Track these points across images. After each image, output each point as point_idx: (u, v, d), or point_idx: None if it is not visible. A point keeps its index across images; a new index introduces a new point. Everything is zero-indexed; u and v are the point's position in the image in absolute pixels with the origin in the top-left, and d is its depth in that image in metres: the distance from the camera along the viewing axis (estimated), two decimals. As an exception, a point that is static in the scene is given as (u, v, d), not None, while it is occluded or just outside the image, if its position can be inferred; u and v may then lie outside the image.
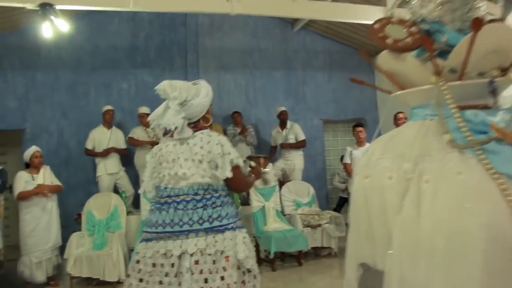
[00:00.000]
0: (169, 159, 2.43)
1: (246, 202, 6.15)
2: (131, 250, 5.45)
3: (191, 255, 2.27)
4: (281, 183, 6.74)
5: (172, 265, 2.28)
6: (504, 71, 1.47)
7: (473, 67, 1.44)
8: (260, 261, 5.94)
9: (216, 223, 2.34)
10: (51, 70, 6.93)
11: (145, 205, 5.95)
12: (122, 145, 6.56)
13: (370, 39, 1.59)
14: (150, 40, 7.43)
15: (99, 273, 4.95)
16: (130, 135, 6.56)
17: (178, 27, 7.56)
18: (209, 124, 2.57)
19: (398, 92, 1.64)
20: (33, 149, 5.56)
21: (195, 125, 2.48)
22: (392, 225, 1.40)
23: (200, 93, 2.47)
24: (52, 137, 6.90)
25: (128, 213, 5.92)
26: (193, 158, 2.38)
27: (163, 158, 2.45)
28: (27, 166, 5.61)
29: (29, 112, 6.78)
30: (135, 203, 6.32)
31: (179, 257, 2.28)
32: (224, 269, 2.27)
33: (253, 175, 2.73)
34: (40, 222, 5.37)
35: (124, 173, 6.51)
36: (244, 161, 7.11)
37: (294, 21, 8.04)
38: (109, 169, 6.34)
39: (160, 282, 2.30)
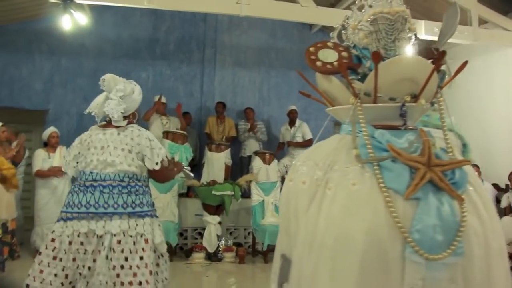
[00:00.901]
0: (98, 145, 2.63)
1: (247, 195, 6.42)
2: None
3: (114, 235, 2.48)
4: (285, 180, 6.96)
5: (92, 243, 2.49)
6: (415, 97, 1.67)
7: (384, 92, 1.64)
8: (254, 252, 6.21)
9: (138, 209, 2.57)
10: (75, 57, 7.36)
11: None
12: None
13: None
14: (170, 34, 7.75)
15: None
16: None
17: (198, 22, 7.85)
18: (136, 119, 2.84)
19: (330, 108, 1.86)
20: (50, 129, 5.99)
21: (127, 119, 2.73)
22: (301, 224, 1.63)
23: (135, 91, 2.75)
24: (72, 119, 7.34)
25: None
26: (123, 148, 2.61)
27: (92, 145, 2.65)
28: (45, 145, 6.05)
29: (53, 94, 7.23)
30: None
31: (100, 237, 2.50)
32: (143, 250, 2.51)
33: (175, 169, 2.96)
34: (53, 197, 5.80)
35: (135, 159, 6.85)
36: (250, 156, 7.32)
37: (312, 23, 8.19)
38: (121, 154, 6.67)
39: (74, 259, 2.50)
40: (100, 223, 2.51)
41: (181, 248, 6.30)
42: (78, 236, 2.52)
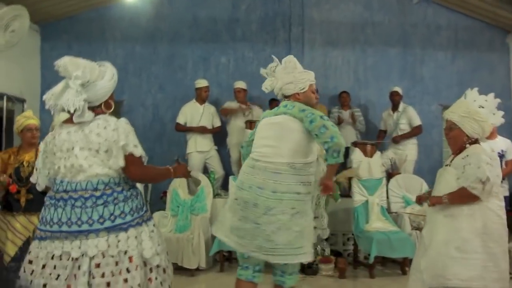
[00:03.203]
0: (63, 148, 2.25)
1: (347, 194, 5.42)
2: (214, 236, 5.07)
3: (92, 258, 2.13)
4: (389, 176, 5.88)
5: (66, 267, 2.14)
6: None
7: None
8: (356, 263, 5.20)
9: (119, 221, 2.20)
10: (150, 42, 6.95)
11: (234, 188, 5.52)
12: (216, 122, 6.21)
13: None
14: (251, 12, 7.01)
15: (177, 258, 4.61)
16: (223, 106, 6.21)
17: (282, -3, 7.00)
18: (110, 110, 2.37)
19: None
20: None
21: (95, 110, 2.28)
22: None
23: (105, 76, 2.31)
24: (147, 110, 6.94)
25: (216, 195, 5.53)
26: (90, 147, 2.20)
27: (57, 148, 2.27)
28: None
29: (127, 84, 6.78)
30: (224, 185, 5.92)
31: (76, 259, 2.14)
32: (128, 270, 2.17)
33: (171, 169, 2.47)
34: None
35: (216, 152, 6.16)
36: (349, 147, 6.30)
37: (414, -11, 7.04)
38: (199, 147, 6.03)
39: (44, 286, 2.15)
40: (75, 243, 2.15)
41: (269, 257, 5.46)
42: (52, 258, 2.17)
